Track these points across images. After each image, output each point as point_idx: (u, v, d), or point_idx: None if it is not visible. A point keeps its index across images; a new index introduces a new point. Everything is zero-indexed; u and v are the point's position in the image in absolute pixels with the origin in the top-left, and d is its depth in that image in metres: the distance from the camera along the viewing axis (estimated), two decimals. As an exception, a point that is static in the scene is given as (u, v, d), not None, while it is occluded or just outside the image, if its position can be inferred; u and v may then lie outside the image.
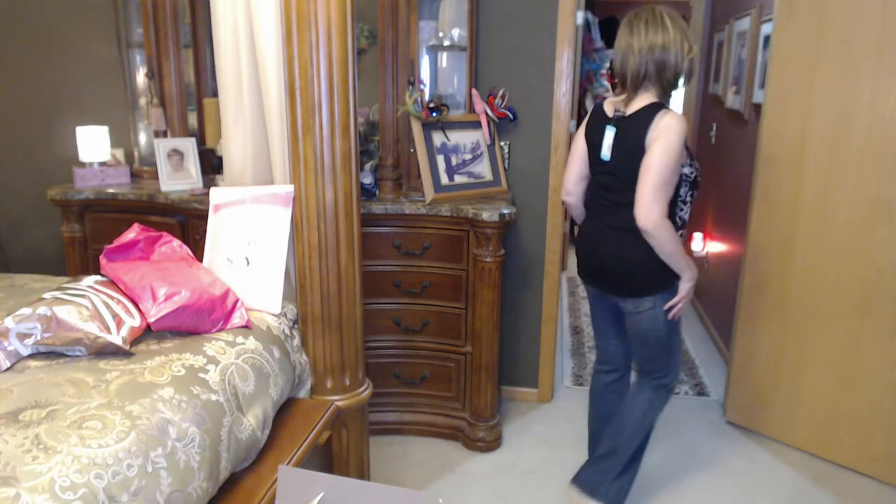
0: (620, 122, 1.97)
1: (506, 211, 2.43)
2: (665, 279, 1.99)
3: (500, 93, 2.74)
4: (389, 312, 2.64)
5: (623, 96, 1.99)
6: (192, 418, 1.24)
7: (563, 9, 2.69)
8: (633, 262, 1.99)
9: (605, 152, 1.99)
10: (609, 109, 2.03)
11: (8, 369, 1.30)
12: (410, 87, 2.56)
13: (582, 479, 2.22)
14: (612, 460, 2.18)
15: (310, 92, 1.56)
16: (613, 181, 2.01)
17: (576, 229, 6.38)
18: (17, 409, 1.14)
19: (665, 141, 1.85)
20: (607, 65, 5.83)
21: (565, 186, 2.19)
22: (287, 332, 1.68)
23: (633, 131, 1.93)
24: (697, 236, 4.27)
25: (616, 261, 2.02)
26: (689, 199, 2.22)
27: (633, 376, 2.32)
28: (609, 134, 1.98)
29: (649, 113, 1.90)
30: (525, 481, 2.51)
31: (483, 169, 2.73)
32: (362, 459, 1.88)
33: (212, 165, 2.95)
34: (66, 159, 3.09)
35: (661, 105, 1.93)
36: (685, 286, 2.00)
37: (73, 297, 1.39)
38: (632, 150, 1.92)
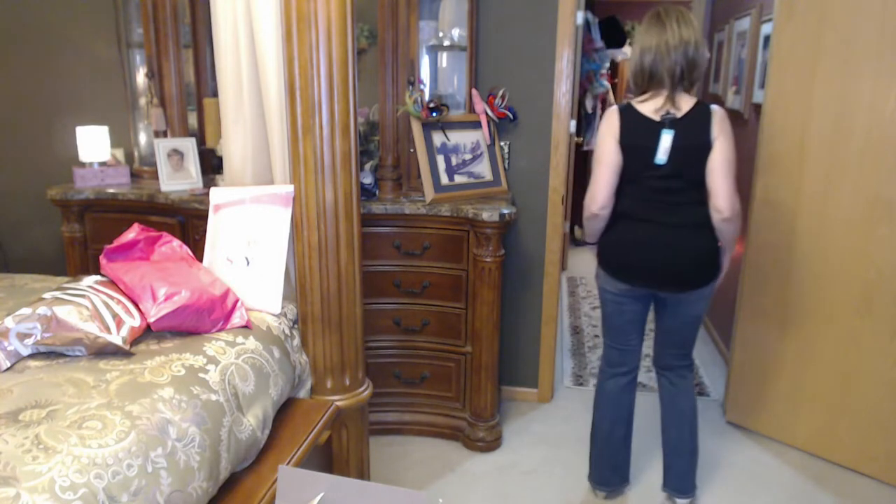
0: (676, 123, 1.96)
1: (506, 211, 2.42)
2: (721, 263, 2.13)
3: (500, 93, 2.74)
4: (389, 312, 2.64)
5: (662, 97, 1.98)
6: (192, 418, 1.24)
7: (563, 9, 2.69)
8: (707, 255, 2.07)
9: (662, 157, 1.97)
10: (651, 113, 1.99)
11: (8, 369, 1.30)
12: (410, 87, 2.56)
13: (681, 488, 2.32)
14: (696, 452, 2.30)
15: (310, 92, 1.56)
16: (672, 183, 2.01)
17: (575, 230, 6.33)
18: (17, 409, 1.14)
19: (727, 135, 1.97)
20: (607, 64, 5.82)
21: (599, 200, 2.06)
22: (287, 332, 1.68)
23: (696, 131, 1.96)
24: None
25: (695, 257, 2.06)
26: None
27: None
28: (667, 137, 1.96)
29: (704, 111, 1.97)
30: (525, 481, 2.51)
31: (483, 169, 2.73)
32: (362, 459, 1.88)
33: (212, 165, 2.95)
34: (66, 159, 3.09)
35: (704, 102, 2.00)
36: (728, 261, 2.15)
37: (73, 297, 1.39)
38: (697, 150, 1.97)
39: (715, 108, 2.00)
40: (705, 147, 1.96)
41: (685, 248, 2.04)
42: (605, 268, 2.19)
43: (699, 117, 1.97)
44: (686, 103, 1.98)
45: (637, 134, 2.00)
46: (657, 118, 1.98)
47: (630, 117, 2.02)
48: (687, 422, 2.28)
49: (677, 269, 2.07)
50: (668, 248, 2.05)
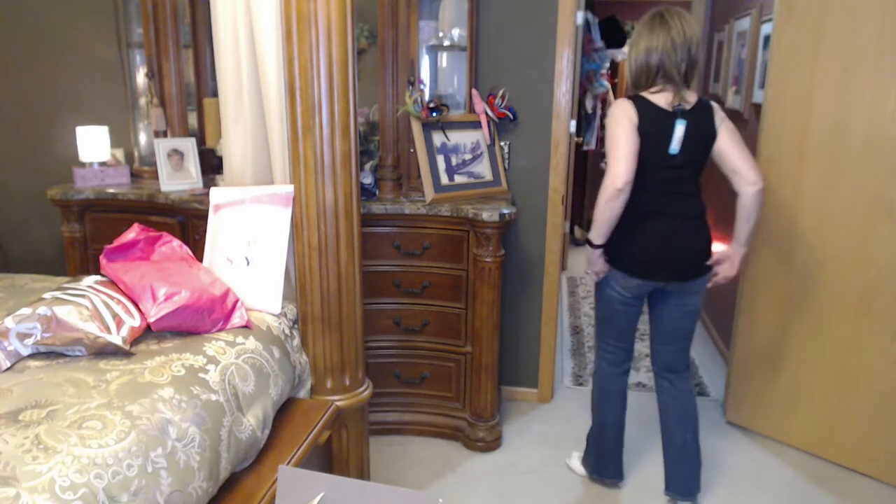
0: (687, 114, 2.04)
1: (506, 211, 2.42)
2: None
3: (500, 93, 2.74)
4: (389, 312, 2.64)
5: (671, 91, 2.04)
6: (192, 418, 1.24)
7: (563, 9, 2.69)
8: (710, 244, 2.16)
9: (676, 146, 2.04)
10: (664, 105, 2.04)
11: (8, 369, 1.30)
12: (410, 87, 2.56)
13: (685, 491, 2.33)
14: (699, 453, 2.33)
15: (310, 92, 1.56)
16: (685, 173, 2.09)
17: (575, 230, 6.31)
18: (17, 409, 1.14)
19: (729, 121, 2.10)
20: (607, 64, 5.82)
21: (623, 175, 1.98)
22: (287, 332, 1.68)
23: (704, 122, 2.06)
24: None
25: (706, 245, 2.15)
26: None
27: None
28: (681, 127, 2.02)
29: (707, 104, 2.08)
30: (525, 481, 2.51)
31: (483, 169, 2.73)
32: (362, 459, 1.88)
33: (212, 165, 2.95)
34: (66, 159, 3.09)
35: (702, 97, 2.11)
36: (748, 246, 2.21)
37: (73, 297, 1.39)
38: (705, 140, 2.06)
39: (713, 102, 2.12)
40: (711, 137, 2.07)
41: (698, 238, 2.14)
42: (621, 266, 2.16)
43: (704, 109, 2.08)
44: (691, 97, 2.07)
45: (653, 123, 2.03)
46: (670, 109, 2.03)
47: (644, 107, 2.04)
48: (691, 424, 2.30)
49: (692, 259, 2.15)
50: (686, 240, 2.13)
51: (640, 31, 2.08)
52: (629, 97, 2.08)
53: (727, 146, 2.05)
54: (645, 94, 2.07)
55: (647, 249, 2.12)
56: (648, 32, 2.05)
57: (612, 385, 2.36)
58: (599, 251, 2.15)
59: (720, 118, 2.08)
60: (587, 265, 2.24)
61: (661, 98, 2.04)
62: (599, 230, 2.10)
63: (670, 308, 2.24)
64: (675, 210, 2.10)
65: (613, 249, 2.15)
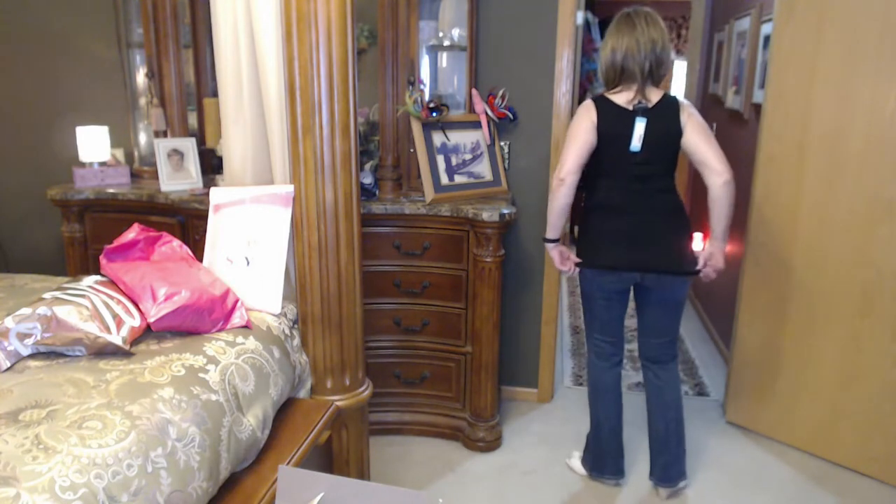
0: (647, 112, 2.06)
1: (506, 211, 2.42)
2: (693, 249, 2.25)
3: (500, 93, 2.74)
4: (389, 312, 2.64)
5: (633, 90, 2.09)
6: (192, 418, 1.25)
7: (563, 9, 2.69)
8: (684, 241, 2.19)
9: (637, 143, 2.07)
10: (624, 104, 2.09)
11: (8, 369, 1.30)
12: (410, 87, 2.56)
13: (665, 478, 2.37)
14: (682, 443, 2.36)
15: (310, 92, 1.56)
16: (650, 170, 2.11)
17: (575, 230, 6.35)
18: (17, 409, 1.14)
19: (697, 116, 2.10)
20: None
21: (568, 165, 2.11)
22: (287, 332, 1.69)
23: (666, 119, 2.07)
24: (697, 236, 4.27)
25: (679, 240, 2.18)
26: None
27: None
28: (640, 125, 2.05)
29: (672, 101, 2.10)
30: (525, 481, 2.51)
31: (483, 169, 2.72)
32: (362, 459, 1.88)
33: (212, 165, 2.95)
34: (66, 159, 3.09)
35: (671, 94, 2.13)
36: (725, 243, 2.20)
37: (73, 297, 1.39)
38: (668, 136, 2.08)
39: (682, 99, 2.14)
40: (676, 134, 2.09)
41: (667, 234, 2.16)
42: (590, 261, 2.23)
43: (668, 107, 2.10)
44: (655, 95, 2.11)
45: (613, 122, 2.09)
46: (630, 108, 2.08)
47: (605, 107, 2.11)
48: (672, 413, 2.33)
49: (661, 254, 2.16)
50: (655, 236, 2.15)
51: (609, 31, 2.14)
52: (593, 98, 2.15)
53: (694, 140, 2.07)
54: (608, 94, 2.14)
55: (613, 245, 2.18)
56: (616, 32, 2.11)
57: (602, 378, 2.39)
58: (552, 244, 2.26)
59: (687, 114, 2.09)
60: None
61: (622, 97, 2.10)
62: (549, 222, 2.24)
63: (652, 304, 2.28)
64: (643, 206, 2.14)
65: (584, 246, 2.25)
